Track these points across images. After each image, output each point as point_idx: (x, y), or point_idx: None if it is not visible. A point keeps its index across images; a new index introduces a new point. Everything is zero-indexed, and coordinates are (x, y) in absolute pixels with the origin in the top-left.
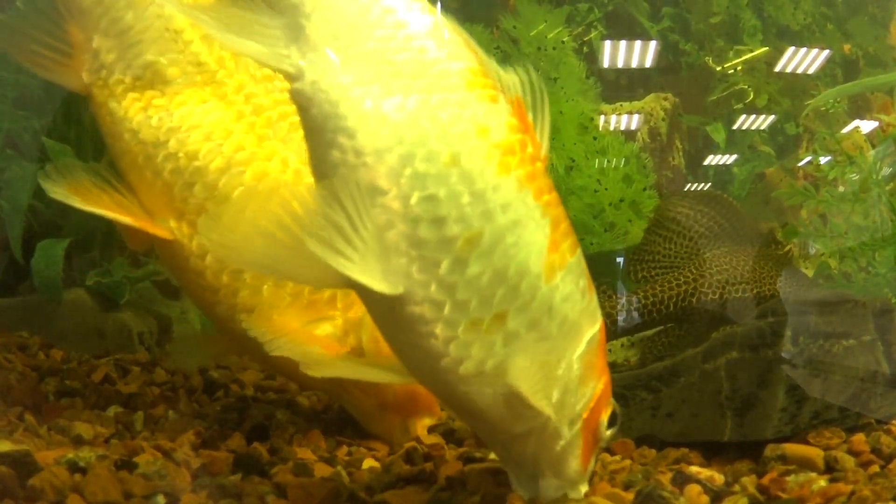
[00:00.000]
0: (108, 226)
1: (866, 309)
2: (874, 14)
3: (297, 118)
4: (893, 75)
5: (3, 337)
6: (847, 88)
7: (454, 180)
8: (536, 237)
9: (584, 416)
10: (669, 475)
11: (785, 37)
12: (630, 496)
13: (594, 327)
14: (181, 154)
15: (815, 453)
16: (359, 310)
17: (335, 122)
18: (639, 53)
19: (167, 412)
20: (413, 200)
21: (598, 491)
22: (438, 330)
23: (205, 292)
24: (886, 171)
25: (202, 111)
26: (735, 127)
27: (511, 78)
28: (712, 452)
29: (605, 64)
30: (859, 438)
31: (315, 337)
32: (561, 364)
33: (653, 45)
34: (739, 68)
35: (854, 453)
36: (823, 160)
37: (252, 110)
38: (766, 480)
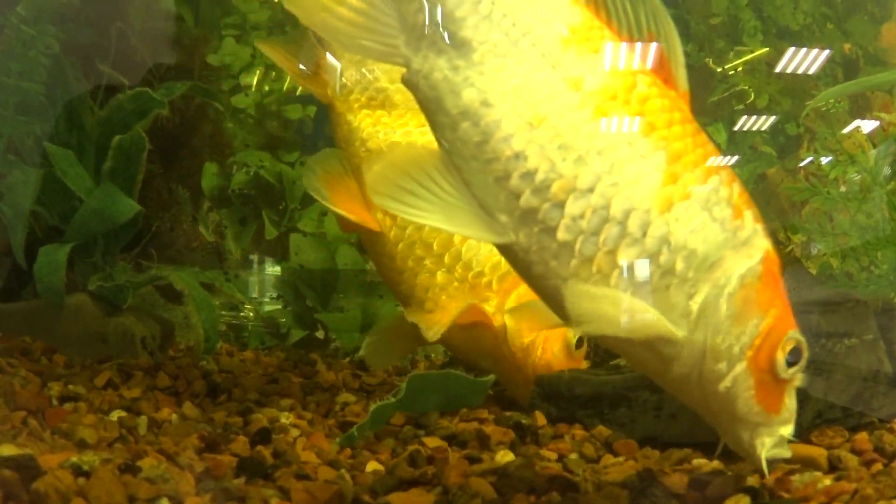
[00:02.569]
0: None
1: (868, 308)
2: (873, 13)
3: None
4: (893, 73)
5: (6, 342)
6: (847, 87)
7: (542, 136)
8: (643, 173)
9: (749, 354)
10: (678, 476)
11: (785, 37)
12: (625, 493)
13: (749, 259)
14: None
15: (818, 453)
16: (506, 295)
17: (435, 104)
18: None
19: (171, 416)
20: (502, 160)
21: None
22: (551, 270)
23: (393, 273)
24: (887, 170)
25: (419, 133)
26: (736, 128)
27: (624, 16)
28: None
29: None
30: (862, 437)
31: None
32: (696, 300)
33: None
34: (740, 69)
35: (857, 452)
36: (825, 160)
37: None
38: (769, 480)
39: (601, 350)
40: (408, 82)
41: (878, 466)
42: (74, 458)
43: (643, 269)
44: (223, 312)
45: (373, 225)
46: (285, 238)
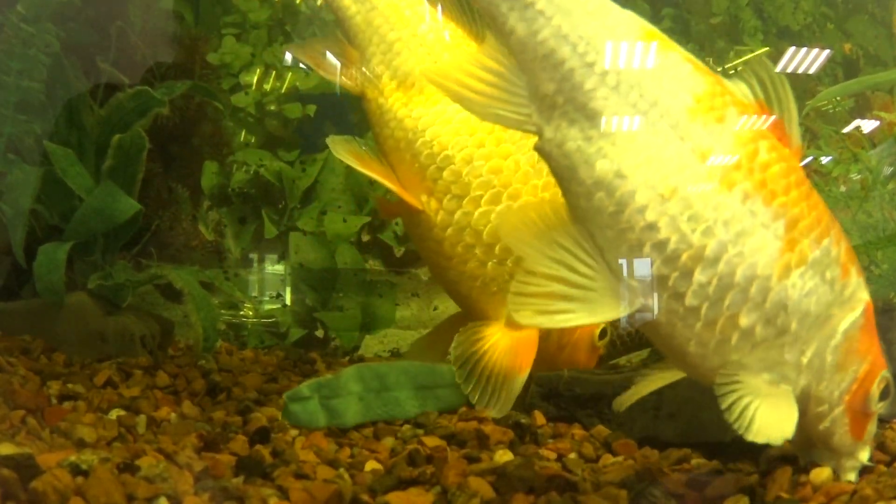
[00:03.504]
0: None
1: None
2: (874, 13)
3: None
4: (893, 73)
5: (5, 341)
6: (847, 87)
7: (673, 208)
8: (765, 242)
9: (847, 399)
10: (677, 475)
11: (785, 37)
12: (624, 493)
13: (853, 313)
14: (435, 143)
15: None
16: None
17: (570, 173)
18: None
19: (170, 415)
20: (636, 230)
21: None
22: (677, 331)
23: (440, 258)
24: (888, 170)
25: (453, 111)
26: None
27: (743, 86)
28: (714, 452)
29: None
30: None
31: None
32: (806, 355)
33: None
34: (740, 69)
35: None
36: (825, 159)
37: None
38: (767, 479)
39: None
40: (540, 150)
41: (882, 467)
42: (73, 458)
43: (762, 332)
44: (223, 311)
45: (416, 204)
46: (285, 237)
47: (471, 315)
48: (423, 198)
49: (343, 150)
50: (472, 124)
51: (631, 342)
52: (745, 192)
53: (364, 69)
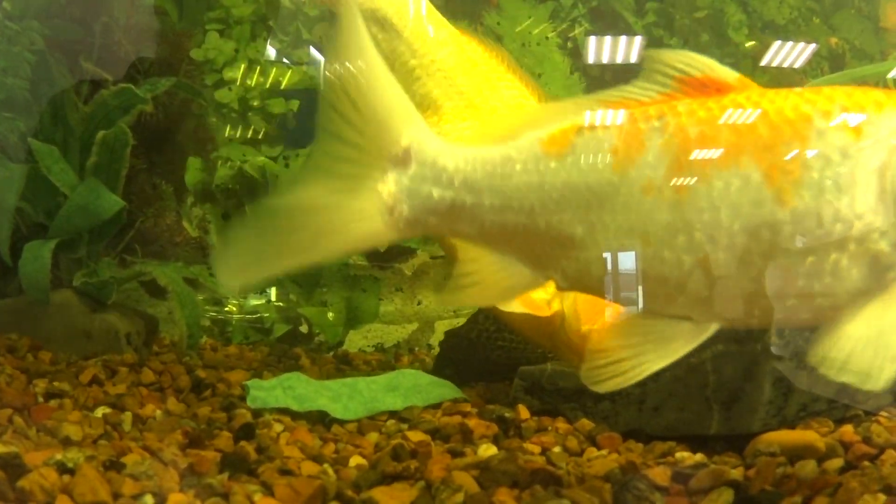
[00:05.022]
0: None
1: None
2: (860, 7)
3: None
4: (879, 66)
5: None
6: (832, 81)
7: None
8: None
9: None
10: (661, 469)
11: (770, 31)
12: (608, 486)
13: None
14: None
15: (803, 446)
16: None
17: None
18: (624, 48)
19: (155, 412)
20: None
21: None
22: None
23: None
24: None
25: (461, 126)
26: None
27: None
28: (699, 445)
29: (591, 59)
30: (847, 430)
31: (530, 299)
32: None
33: (637, 40)
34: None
35: (844, 444)
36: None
37: None
38: (752, 472)
39: None
40: None
41: (866, 461)
42: (59, 456)
43: None
44: (207, 307)
45: None
46: None
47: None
48: None
49: None
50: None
51: None
52: None
53: None
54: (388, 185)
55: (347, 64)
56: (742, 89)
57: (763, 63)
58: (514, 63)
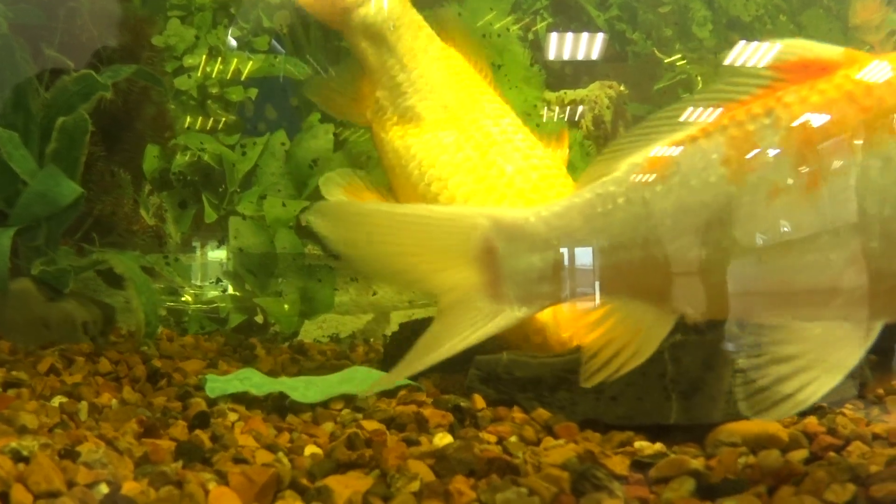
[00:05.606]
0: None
1: None
2: (829, 6)
3: (517, 140)
4: None
5: None
6: None
7: None
8: None
9: None
10: (620, 458)
11: (736, 28)
12: (566, 475)
13: None
14: (424, 163)
15: (765, 437)
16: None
17: None
18: (585, 42)
19: (111, 401)
20: None
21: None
22: None
23: None
24: None
25: (443, 136)
26: (683, 118)
27: None
28: (658, 435)
29: (552, 53)
30: (812, 421)
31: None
32: None
33: (600, 34)
34: (687, 58)
35: (808, 436)
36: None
37: (481, 135)
38: (714, 462)
39: None
40: None
41: (832, 453)
42: (14, 444)
43: None
44: (163, 297)
45: None
46: (226, 221)
47: None
48: None
49: (334, 187)
50: (460, 144)
51: None
52: None
53: (373, 105)
54: (478, 276)
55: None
56: (851, 64)
57: (727, 61)
58: (492, 76)
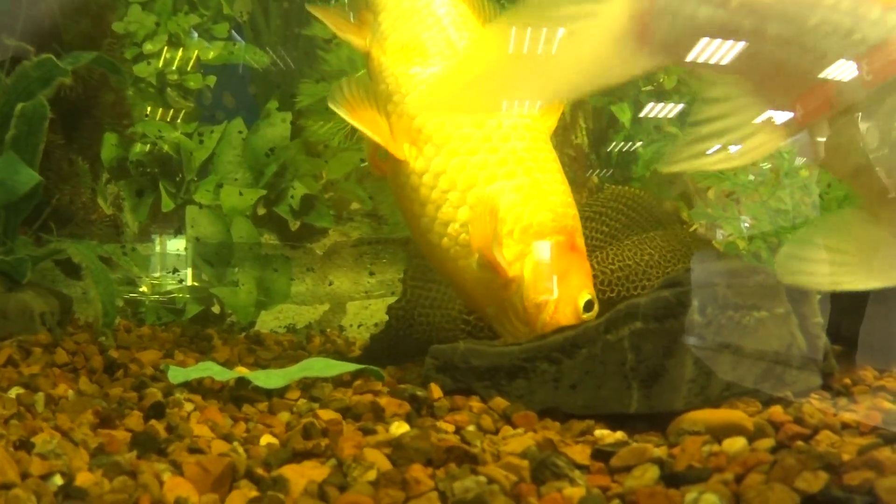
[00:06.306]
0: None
1: (779, 281)
2: None
3: None
4: None
5: None
6: None
7: None
8: None
9: None
10: (580, 447)
11: None
12: (526, 463)
13: None
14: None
15: (729, 425)
16: (527, 247)
17: None
18: None
19: (67, 392)
20: None
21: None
22: None
23: (414, 204)
24: (799, 160)
25: (447, 65)
26: (644, 111)
27: None
28: (619, 424)
29: None
30: (777, 410)
31: (494, 256)
32: None
33: None
34: None
35: (774, 424)
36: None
37: None
38: (677, 450)
39: None
40: None
41: (800, 441)
42: None
43: None
44: (121, 287)
45: (398, 153)
46: (183, 210)
47: (437, 269)
48: (406, 147)
49: (339, 97)
50: None
51: None
52: None
53: (374, 30)
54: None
55: None
56: None
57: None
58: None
